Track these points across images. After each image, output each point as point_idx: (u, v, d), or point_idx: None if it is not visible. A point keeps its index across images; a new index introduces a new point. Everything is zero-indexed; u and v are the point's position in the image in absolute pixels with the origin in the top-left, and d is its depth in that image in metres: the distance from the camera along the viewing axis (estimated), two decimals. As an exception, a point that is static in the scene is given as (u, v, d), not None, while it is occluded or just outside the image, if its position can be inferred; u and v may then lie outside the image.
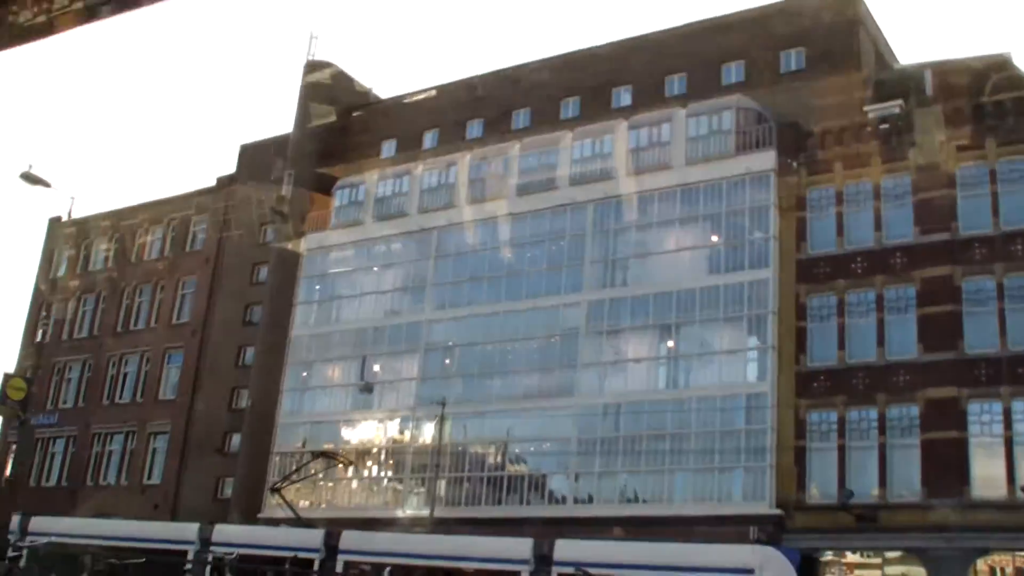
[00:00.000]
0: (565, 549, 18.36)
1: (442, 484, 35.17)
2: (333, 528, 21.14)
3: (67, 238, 53.03)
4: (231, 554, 20.10)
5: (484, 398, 35.13)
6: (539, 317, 35.22)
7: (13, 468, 47.44)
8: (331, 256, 41.51)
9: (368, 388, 34.09)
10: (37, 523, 21.82)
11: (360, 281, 40.45)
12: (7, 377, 21.00)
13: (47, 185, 21.40)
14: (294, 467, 34.82)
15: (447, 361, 36.94)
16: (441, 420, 32.18)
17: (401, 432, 36.88)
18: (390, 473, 37.25)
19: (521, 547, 18.85)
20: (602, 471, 32.10)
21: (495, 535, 22.01)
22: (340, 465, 30.73)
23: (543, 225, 36.63)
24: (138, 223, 49.81)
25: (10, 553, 18.27)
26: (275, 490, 28.20)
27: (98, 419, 46.05)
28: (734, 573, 16.29)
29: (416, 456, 35.96)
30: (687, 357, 32.67)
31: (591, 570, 17.66)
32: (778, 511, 28.35)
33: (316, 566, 19.12)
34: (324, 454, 32.91)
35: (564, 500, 32.69)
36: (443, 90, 43.79)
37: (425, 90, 44.70)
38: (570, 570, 17.39)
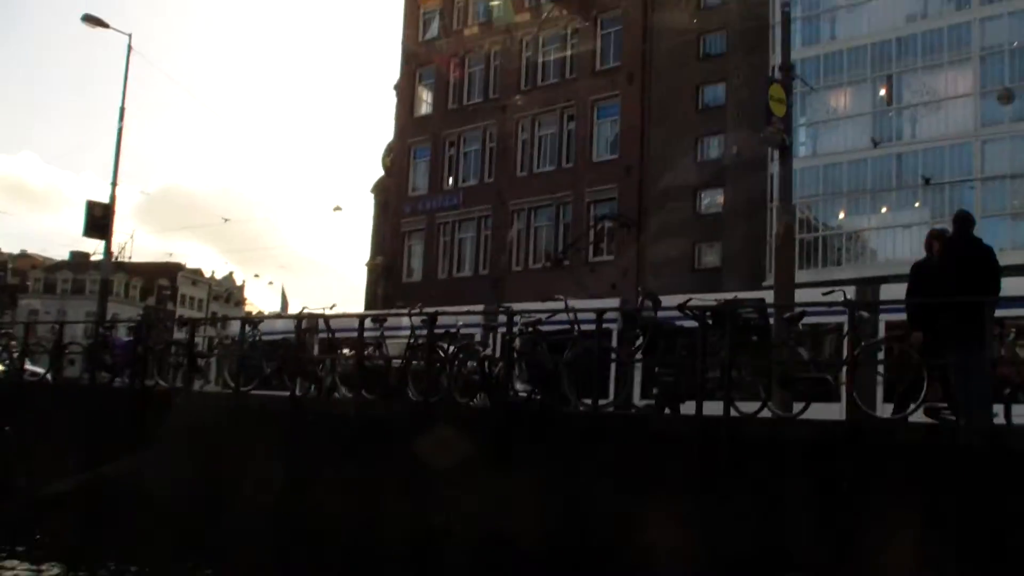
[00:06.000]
0: None
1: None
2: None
3: (435, -8, 52.71)
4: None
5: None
6: None
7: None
8: (814, -40, 38.85)
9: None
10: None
11: (862, -15, 37.71)
12: (771, 81, 19.45)
13: None
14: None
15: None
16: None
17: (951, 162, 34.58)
18: (929, 215, 35.25)
19: None
20: None
21: None
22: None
23: None
24: (526, -41, 48.67)
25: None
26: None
27: (515, 194, 46.16)
28: None
29: (979, 192, 33.63)
30: None
31: None
32: None
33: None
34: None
35: None
36: None
37: None
38: None
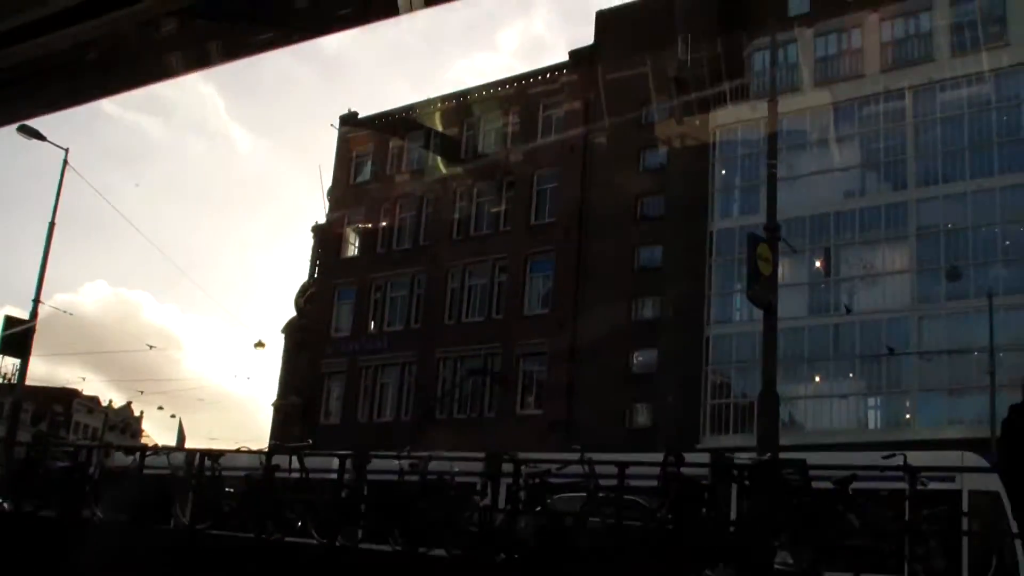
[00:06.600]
0: None
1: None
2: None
3: (367, 138, 52.43)
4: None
5: (1015, 291, 32.65)
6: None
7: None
8: (755, 133, 39.35)
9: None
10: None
11: (800, 160, 38.30)
12: (759, 241, 19.42)
13: None
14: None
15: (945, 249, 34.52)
16: (991, 314, 29.72)
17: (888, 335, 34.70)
18: (865, 387, 35.27)
19: None
20: None
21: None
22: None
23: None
24: (465, 112, 48.72)
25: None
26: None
27: (442, 342, 45.18)
28: None
29: (916, 367, 33.67)
30: None
31: None
32: None
33: None
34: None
35: None
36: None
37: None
38: None
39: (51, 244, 35.65)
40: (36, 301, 35.21)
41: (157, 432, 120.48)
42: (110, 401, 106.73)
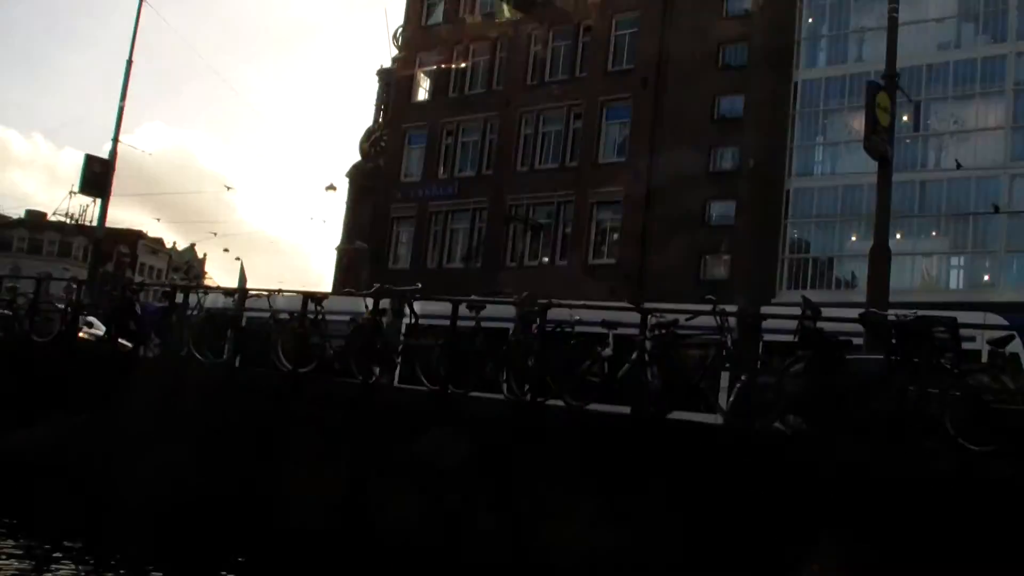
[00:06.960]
0: None
1: None
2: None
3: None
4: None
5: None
6: None
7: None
8: (845, -20, 37.63)
9: None
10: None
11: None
12: (878, 89, 18.37)
13: None
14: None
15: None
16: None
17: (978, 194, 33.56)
18: (949, 246, 34.27)
19: None
20: None
21: None
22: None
23: None
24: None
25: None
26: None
27: (513, 189, 44.33)
28: None
29: (1005, 226, 32.58)
30: None
31: None
32: None
33: None
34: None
35: None
36: None
37: None
38: None
39: (129, 83, 35.19)
40: (115, 140, 34.97)
41: (219, 274, 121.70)
42: (174, 243, 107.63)
